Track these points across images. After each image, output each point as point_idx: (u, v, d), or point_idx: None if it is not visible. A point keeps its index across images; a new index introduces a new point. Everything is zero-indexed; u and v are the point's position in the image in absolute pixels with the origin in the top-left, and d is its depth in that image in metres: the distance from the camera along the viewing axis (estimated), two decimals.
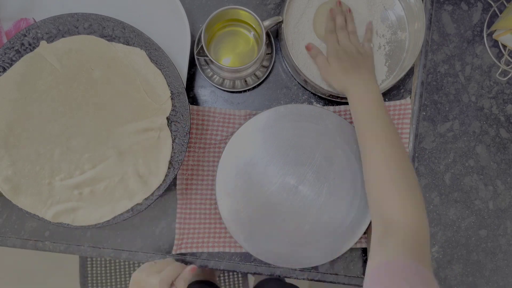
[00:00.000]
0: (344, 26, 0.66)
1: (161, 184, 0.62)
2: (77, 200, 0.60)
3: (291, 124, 0.65)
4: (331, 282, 0.70)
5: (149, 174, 0.61)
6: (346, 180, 0.65)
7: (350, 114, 0.67)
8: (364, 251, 0.69)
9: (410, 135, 0.68)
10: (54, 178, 0.60)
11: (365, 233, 0.66)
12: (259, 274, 0.69)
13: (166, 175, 0.62)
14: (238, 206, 0.64)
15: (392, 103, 0.68)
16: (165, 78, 0.61)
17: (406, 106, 0.67)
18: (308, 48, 0.67)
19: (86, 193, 0.60)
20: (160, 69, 0.61)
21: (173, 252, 0.66)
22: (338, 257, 0.68)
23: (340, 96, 0.65)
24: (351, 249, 0.68)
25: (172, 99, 0.61)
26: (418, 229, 0.50)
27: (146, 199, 0.62)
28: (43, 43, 0.60)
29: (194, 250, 0.67)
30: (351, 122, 0.66)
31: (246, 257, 0.69)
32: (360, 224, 0.65)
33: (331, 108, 0.67)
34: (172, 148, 0.62)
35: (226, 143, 0.66)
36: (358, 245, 0.68)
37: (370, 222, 0.64)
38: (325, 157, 0.65)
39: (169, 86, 0.62)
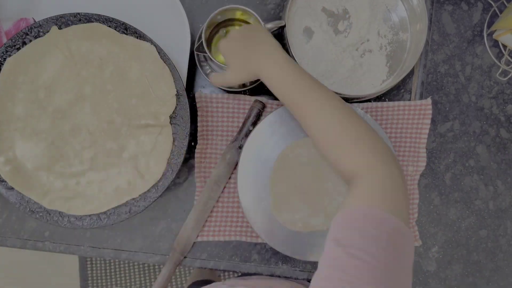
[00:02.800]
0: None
1: (160, 186, 0.62)
2: (73, 189, 0.60)
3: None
4: None
5: (147, 170, 0.61)
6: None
7: (374, 111, 0.68)
8: None
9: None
10: (54, 165, 0.60)
11: None
12: (259, 274, 0.69)
13: (165, 177, 0.62)
14: (259, 196, 0.65)
15: (412, 102, 0.68)
16: (171, 75, 0.61)
17: (426, 106, 0.68)
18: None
19: (83, 183, 0.61)
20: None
21: (194, 240, 0.67)
22: None
23: (346, 97, 0.65)
24: None
25: (177, 95, 0.61)
26: (386, 180, 0.46)
27: (142, 197, 0.62)
28: (54, 28, 0.60)
29: (211, 239, 0.67)
30: (376, 119, 0.68)
31: (246, 257, 0.69)
32: None
33: (356, 104, 0.68)
34: (172, 150, 0.62)
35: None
36: None
37: None
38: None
39: (171, 74, 0.61)
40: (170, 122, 0.61)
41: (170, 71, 0.61)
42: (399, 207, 0.44)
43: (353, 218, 0.42)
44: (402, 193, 0.46)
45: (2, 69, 0.59)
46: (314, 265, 0.69)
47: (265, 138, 0.65)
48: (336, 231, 0.42)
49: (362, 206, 0.43)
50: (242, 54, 0.55)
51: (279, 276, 0.69)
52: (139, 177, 0.61)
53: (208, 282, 1.28)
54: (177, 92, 0.61)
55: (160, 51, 0.61)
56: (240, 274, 1.33)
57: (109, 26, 0.60)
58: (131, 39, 0.60)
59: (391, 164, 0.48)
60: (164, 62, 0.61)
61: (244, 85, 0.68)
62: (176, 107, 0.61)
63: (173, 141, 0.62)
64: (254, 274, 0.69)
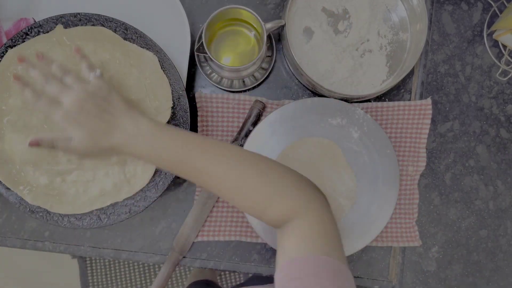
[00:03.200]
0: (55, 69, 0.51)
1: (160, 186, 0.62)
2: (58, 188, 0.60)
3: (316, 117, 0.66)
4: None
5: (133, 175, 0.61)
6: (368, 176, 0.67)
7: (375, 111, 0.68)
8: (365, 251, 0.69)
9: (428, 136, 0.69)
10: (41, 161, 0.60)
11: (381, 232, 0.67)
12: (259, 274, 0.69)
13: (165, 177, 0.62)
14: None
15: (412, 102, 0.68)
16: (170, 85, 0.61)
17: (427, 106, 0.68)
18: (33, 143, 0.51)
19: (68, 182, 0.60)
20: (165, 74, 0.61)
21: (193, 240, 0.67)
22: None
23: (346, 97, 0.65)
24: None
25: (173, 107, 0.61)
26: (307, 218, 0.45)
27: (142, 198, 0.62)
28: (59, 26, 0.60)
29: (211, 239, 0.67)
30: (376, 119, 0.68)
31: (246, 257, 0.69)
32: (377, 222, 0.66)
33: (356, 104, 0.68)
34: None
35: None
36: (374, 244, 0.68)
37: (388, 222, 0.67)
38: (347, 153, 0.66)
39: (170, 86, 0.61)
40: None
41: (170, 84, 0.61)
42: (333, 246, 0.44)
43: (295, 267, 0.42)
44: (333, 231, 0.46)
45: (2, 59, 0.59)
46: None
47: (265, 138, 0.65)
48: (284, 282, 0.41)
49: (300, 254, 0.42)
50: (94, 127, 0.47)
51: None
52: (125, 181, 0.61)
53: (208, 282, 1.28)
54: (177, 93, 0.61)
55: (164, 60, 0.61)
56: (241, 273, 1.33)
57: (109, 27, 0.60)
58: (134, 46, 0.60)
59: (317, 203, 0.46)
60: (165, 73, 0.61)
61: (244, 85, 0.68)
62: (176, 108, 0.61)
63: None
64: (254, 274, 0.69)
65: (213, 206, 0.68)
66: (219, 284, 1.56)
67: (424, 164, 0.68)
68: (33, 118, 0.60)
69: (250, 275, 0.73)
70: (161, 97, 0.61)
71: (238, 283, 1.55)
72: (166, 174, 0.62)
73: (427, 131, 0.68)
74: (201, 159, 0.47)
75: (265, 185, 0.47)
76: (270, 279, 0.75)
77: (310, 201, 0.46)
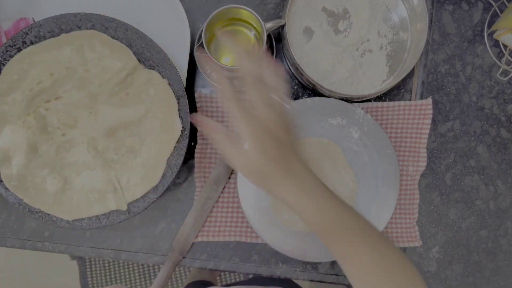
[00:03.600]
0: (262, 76, 0.46)
1: (159, 186, 0.62)
2: (57, 196, 0.61)
3: (316, 117, 0.66)
4: (331, 282, 0.70)
5: (126, 186, 0.62)
6: (368, 177, 0.66)
7: (375, 111, 0.68)
8: None
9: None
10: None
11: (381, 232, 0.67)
12: (259, 274, 0.69)
13: (165, 177, 0.61)
14: (259, 196, 0.65)
15: (413, 102, 0.68)
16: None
17: (427, 106, 0.68)
18: (195, 121, 0.50)
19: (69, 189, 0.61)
20: (161, 73, 0.61)
21: (193, 240, 0.67)
22: None
23: (346, 97, 0.65)
24: None
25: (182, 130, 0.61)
26: None
27: (142, 198, 0.62)
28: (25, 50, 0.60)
29: (211, 239, 0.67)
30: (376, 119, 0.68)
31: (246, 257, 0.69)
32: (377, 223, 0.66)
33: (356, 104, 0.68)
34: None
35: None
36: None
37: (388, 222, 0.67)
38: (347, 153, 0.66)
39: (170, 87, 0.61)
40: None
41: (164, 76, 0.61)
42: None
43: None
44: None
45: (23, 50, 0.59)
46: (314, 265, 0.69)
47: None
48: None
49: None
50: (269, 147, 0.44)
51: (279, 277, 0.69)
52: (114, 192, 0.61)
53: (205, 282, 1.28)
54: (177, 94, 0.61)
55: (164, 61, 0.61)
56: (241, 274, 1.33)
57: (110, 27, 0.60)
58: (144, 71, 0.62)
59: None
60: (157, 69, 0.61)
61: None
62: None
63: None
64: (254, 274, 0.69)
65: (213, 207, 0.67)
66: (219, 284, 1.56)
67: (425, 164, 0.68)
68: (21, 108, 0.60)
69: (250, 276, 0.72)
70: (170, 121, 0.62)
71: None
72: (166, 175, 0.62)
73: (428, 131, 0.68)
74: (338, 242, 0.46)
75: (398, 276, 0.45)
76: (272, 281, 0.75)
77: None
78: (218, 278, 1.53)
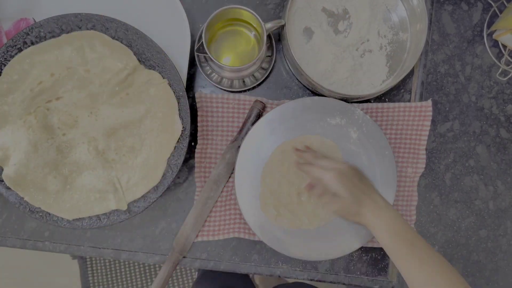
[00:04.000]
0: (318, 155, 0.63)
1: (159, 186, 0.62)
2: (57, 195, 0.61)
3: (315, 116, 0.66)
4: (331, 282, 0.70)
5: (126, 186, 0.62)
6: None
7: (374, 112, 0.68)
8: (365, 251, 0.69)
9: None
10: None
11: None
12: (259, 274, 0.69)
13: (165, 177, 0.62)
14: (256, 194, 0.65)
15: (413, 104, 0.68)
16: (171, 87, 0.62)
17: (427, 108, 0.68)
18: (309, 187, 0.64)
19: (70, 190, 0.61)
20: (161, 73, 0.61)
21: (193, 240, 0.67)
22: (338, 258, 0.68)
23: (346, 97, 0.65)
24: None
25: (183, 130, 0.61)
26: None
27: (142, 198, 0.62)
28: (26, 51, 0.60)
29: (211, 238, 0.67)
30: (376, 120, 0.68)
31: (246, 257, 0.69)
32: None
33: (355, 105, 0.68)
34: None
35: (244, 130, 0.67)
36: (370, 244, 0.68)
37: None
38: (346, 153, 0.66)
39: (170, 87, 0.62)
40: None
41: (164, 76, 0.61)
42: None
43: None
44: None
45: (23, 51, 0.60)
46: (314, 264, 0.69)
47: (264, 135, 0.66)
48: None
49: None
50: (357, 196, 0.58)
51: (279, 276, 0.69)
52: (114, 192, 0.61)
53: (215, 272, 1.28)
54: (177, 94, 0.61)
55: (164, 61, 0.61)
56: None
57: (110, 27, 0.60)
58: (145, 70, 0.62)
59: None
60: (158, 69, 0.61)
61: (244, 85, 0.68)
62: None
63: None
64: (254, 274, 0.69)
65: (213, 206, 0.68)
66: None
67: (424, 166, 0.68)
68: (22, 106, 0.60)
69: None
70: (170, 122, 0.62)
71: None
72: (166, 175, 0.62)
73: (427, 132, 0.68)
74: (405, 261, 0.55)
75: None
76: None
77: None
78: None
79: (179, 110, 0.61)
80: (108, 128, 0.61)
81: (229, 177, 0.68)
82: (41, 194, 0.60)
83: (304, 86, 0.69)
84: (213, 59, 0.60)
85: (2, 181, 0.60)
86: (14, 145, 0.59)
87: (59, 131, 0.61)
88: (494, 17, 0.72)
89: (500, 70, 0.72)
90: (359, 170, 0.62)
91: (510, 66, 0.71)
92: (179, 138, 0.61)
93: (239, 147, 0.66)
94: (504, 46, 0.72)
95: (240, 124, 0.68)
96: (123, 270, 1.61)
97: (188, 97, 0.62)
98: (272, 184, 0.65)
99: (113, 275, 1.61)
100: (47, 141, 0.60)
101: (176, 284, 1.62)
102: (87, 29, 0.60)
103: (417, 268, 0.53)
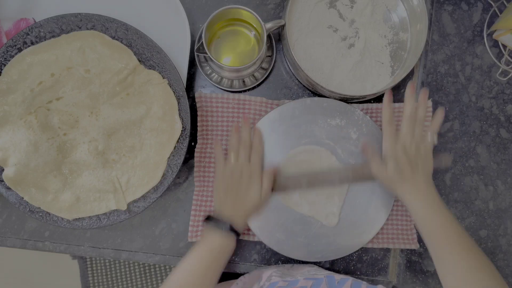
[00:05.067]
0: (414, 114, 0.62)
1: (159, 186, 0.62)
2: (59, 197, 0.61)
3: (315, 117, 0.66)
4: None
5: (126, 186, 0.62)
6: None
7: (375, 112, 0.69)
8: (365, 251, 0.69)
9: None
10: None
11: (377, 233, 0.67)
12: None
13: (165, 177, 0.62)
14: None
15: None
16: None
17: (427, 108, 0.67)
18: (363, 148, 0.65)
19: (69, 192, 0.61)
20: (161, 73, 0.61)
21: (189, 240, 0.67)
22: (338, 258, 0.68)
23: (346, 97, 0.65)
24: None
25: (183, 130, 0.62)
26: None
27: (142, 198, 0.62)
28: (24, 52, 0.60)
29: None
30: (375, 121, 0.68)
31: (246, 257, 0.69)
32: (374, 224, 0.66)
33: (355, 105, 0.68)
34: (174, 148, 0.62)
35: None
36: (370, 245, 0.68)
37: (384, 224, 0.67)
38: (345, 154, 0.66)
39: (170, 87, 0.62)
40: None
41: (164, 77, 0.61)
42: None
43: None
44: None
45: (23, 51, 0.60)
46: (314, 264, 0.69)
47: (264, 135, 0.65)
48: None
49: None
50: (402, 173, 0.59)
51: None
52: (114, 192, 0.61)
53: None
54: (177, 94, 0.61)
55: (164, 61, 0.61)
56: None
57: (110, 27, 0.60)
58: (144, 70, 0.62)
59: None
60: (157, 69, 0.61)
61: (244, 85, 0.68)
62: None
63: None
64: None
65: (212, 206, 0.68)
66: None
67: None
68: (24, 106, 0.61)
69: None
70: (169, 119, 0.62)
71: None
72: (166, 175, 0.62)
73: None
74: (439, 246, 0.55)
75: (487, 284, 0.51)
76: None
77: None
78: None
79: (179, 110, 0.61)
80: (109, 128, 0.61)
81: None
82: (41, 194, 0.60)
83: (304, 86, 0.69)
84: (213, 59, 0.60)
85: (2, 181, 0.60)
86: (15, 145, 0.59)
87: (59, 131, 0.61)
88: (494, 17, 0.72)
89: (500, 70, 0.72)
90: (425, 157, 0.61)
91: (510, 66, 0.71)
92: (179, 138, 0.61)
93: None
94: (504, 46, 0.72)
95: (240, 124, 0.68)
96: (123, 270, 1.61)
97: (188, 97, 0.62)
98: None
99: (113, 275, 1.61)
100: (47, 141, 0.60)
101: None
102: (87, 29, 0.60)
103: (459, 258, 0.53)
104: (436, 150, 0.71)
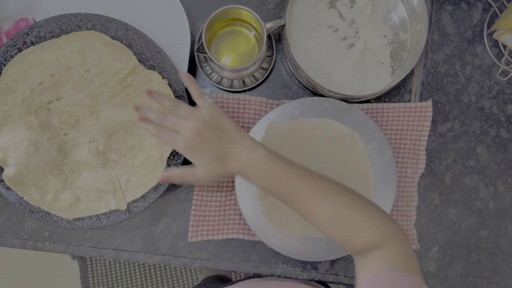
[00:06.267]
0: (165, 109, 0.54)
1: (159, 186, 0.62)
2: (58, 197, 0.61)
3: (315, 117, 0.66)
4: (331, 282, 0.70)
5: (132, 184, 0.62)
6: (362, 177, 0.66)
7: (375, 112, 0.68)
8: None
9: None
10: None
11: None
12: (259, 274, 0.69)
13: None
14: (256, 194, 0.65)
15: (413, 104, 0.68)
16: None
17: (427, 108, 0.68)
18: (163, 180, 0.55)
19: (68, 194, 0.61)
20: (161, 73, 0.61)
21: (189, 240, 0.67)
22: (338, 258, 0.68)
23: (346, 97, 0.65)
24: None
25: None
26: (392, 244, 0.49)
27: (142, 198, 0.62)
28: (26, 51, 0.60)
29: (210, 238, 0.67)
30: (376, 121, 0.68)
31: (246, 257, 0.69)
32: None
33: (356, 105, 0.68)
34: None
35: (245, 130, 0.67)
36: None
37: None
38: (344, 154, 0.66)
39: (170, 87, 0.62)
40: None
41: (164, 76, 0.62)
42: (416, 268, 0.48)
43: (388, 280, 0.45)
44: (414, 256, 0.50)
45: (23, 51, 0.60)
46: (314, 264, 0.69)
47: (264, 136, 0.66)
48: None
49: (389, 270, 0.46)
50: (213, 154, 0.51)
51: (279, 276, 0.69)
52: (114, 192, 0.61)
53: (221, 277, 1.28)
54: (177, 94, 0.61)
55: (165, 61, 0.61)
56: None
57: (110, 27, 0.60)
58: (145, 70, 0.62)
59: (399, 233, 0.50)
60: (158, 69, 0.62)
61: (244, 85, 0.68)
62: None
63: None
64: (254, 274, 0.69)
65: (213, 206, 0.67)
66: (234, 279, 1.56)
67: (424, 166, 0.68)
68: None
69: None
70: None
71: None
72: None
73: (427, 133, 0.68)
74: (305, 193, 0.51)
75: (355, 218, 0.51)
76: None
77: (393, 230, 0.50)
78: (232, 273, 1.53)
79: None
80: (109, 128, 0.61)
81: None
82: (41, 194, 0.60)
83: (304, 86, 0.69)
84: (213, 59, 0.60)
85: (2, 181, 0.60)
86: (15, 145, 0.59)
87: (60, 131, 0.61)
88: (494, 17, 0.72)
89: (500, 70, 0.72)
90: (221, 116, 0.53)
91: (510, 66, 0.71)
92: None
93: None
94: (504, 46, 0.72)
95: (240, 124, 0.68)
96: (123, 270, 1.61)
97: (188, 97, 0.62)
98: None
99: (113, 275, 1.61)
100: (48, 141, 0.60)
101: (185, 279, 1.62)
102: (87, 29, 0.60)
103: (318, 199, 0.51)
104: (436, 151, 0.71)
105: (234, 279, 1.51)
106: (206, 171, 0.52)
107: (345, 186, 0.53)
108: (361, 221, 0.51)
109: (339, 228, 0.51)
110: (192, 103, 0.67)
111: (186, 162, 0.68)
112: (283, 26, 0.64)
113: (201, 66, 0.67)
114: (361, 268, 0.49)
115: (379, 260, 0.48)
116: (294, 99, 0.69)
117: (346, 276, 0.69)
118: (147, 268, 1.62)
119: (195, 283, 1.61)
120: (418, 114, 0.68)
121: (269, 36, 0.67)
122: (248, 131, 0.66)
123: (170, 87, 0.61)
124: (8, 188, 0.60)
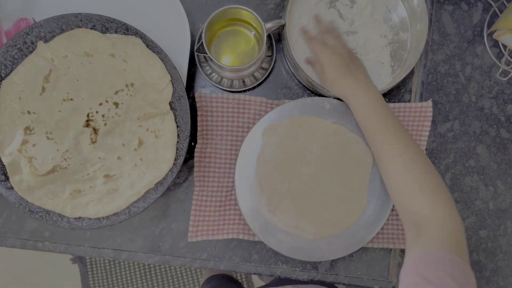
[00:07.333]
0: (331, 28, 0.66)
1: (159, 186, 0.62)
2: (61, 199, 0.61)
3: (315, 117, 0.66)
4: (331, 282, 0.70)
5: (155, 159, 0.61)
6: (365, 178, 0.66)
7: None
8: (365, 251, 0.69)
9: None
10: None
11: (378, 233, 0.67)
12: (259, 274, 0.69)
13: (165, 177, 0.61)
14: (256, 195, 0.65)
15: (413, 104, 0.68)
16: (163, 63, 0.61)
17: (427, 108, 0.68)
18: (307, 62, 0.67)
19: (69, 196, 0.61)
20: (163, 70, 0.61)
21: (189, 240, 0.67)
22: (338, 258, 0.68)
23: None
24: None
25: (172, 84, 0.61)
26: (449, 223, 0.52)
27: (142, 198, 0.62)
28: (40, 43, 0.60)
29: (210, 238, 0.67)
30: None
31: (246, 257, 0.69)
32: (374, 224, 0.66)
33: None
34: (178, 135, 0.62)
35: (243, 130, 0.67)
36: (370, 245, 0.68)
37: (384, 224, 0.67)
38: (344, 154, 0.66)
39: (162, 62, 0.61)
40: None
41: (161, 59, 0.61)
42: (464, 251, 0.50)
43: (435, 259, 0.47)
44: (465, 239, 0.52)
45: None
46: (314, 265, 0.69)
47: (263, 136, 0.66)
48: (423, 270, 0.47)
49: (439, 250, 0.49)
50: (342, 72, 0.60)
51: (279, 276, 0.69)
52: (114, 192, 0.61)
53: (225, 276, 1.28)
54: (177, 94, 0.61)
55: (165, 61, 0.60)
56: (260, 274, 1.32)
57: (110, 27, 0.60)
58: (115, 36, 0.60)
59: (452, 207, 0.54)
60: (154, 52, 0.61)
61: (244, 85, 0.68)
62: (176, 109, 0.61)
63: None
64: (254, 274, 0.69)
65: (213, 206, 0.67)
66: (238, 278, 1.57)
67: None
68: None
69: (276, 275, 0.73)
70: (156, 75, 0.61)
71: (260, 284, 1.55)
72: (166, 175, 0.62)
73: (427, 133, 0.68)
74: (391, 136, 0.58)
75: (424, 181, 0.55)
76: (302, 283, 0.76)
77: (451, 211, 0.53)
78: (233, 272, 1.54)
79: (179, 110, 0.61)
80: (110, 128, 0.61)
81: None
82: (42, 194, 0.60)
83: (304, 86, 0.69)
84: (213, 59, 0.60)
85: (2, 181, 0.60)
86: (37, 154, 0.59)
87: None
88: (494, 17, 0.72)
89: (500, 70, 0.72)
90: (356, 58, 0.63)
91: (510, 66, 0.71)
92: (179, 138, 0.61)
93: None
94: (504, 46, 0.72)
95: (240, 124, 0.68)
96: (123, 270, 1.61)
97: (188, 97, 0.62)
98: (274, 187, 0.66)
99: (113, 276, 1.61)
100: (63, 152, 0.60)
101: (190, 277, 1.62)
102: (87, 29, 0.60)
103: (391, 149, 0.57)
104: (437, 151, 0.71)
105: (239, 278, 1.51)
106: (331, 75, 0.61)
107: (426, 157, 0.57)
108: (427, 187, 0.54)
109: (405, 181, 0.55)
110: (192, 103, 0.67)
111: (185, 162, 0.68)
112: (283, 26, 0.64)
113: (201, 66, 0.67)
114: (413, 243, 0.52)
115: (432, 240, 0.50)
116: (294, 99, 0.69)
117: (346, 276, 0.69)
118: (147, 268, 1.62)
119: (195, 283, 1.61)
120: (418, 114, 0.68)
121: (269, 36, 0.67)
122: (248, 131, 0.66)
123: (162, 61, 0.61)
124: (8, 188, 0.60)
